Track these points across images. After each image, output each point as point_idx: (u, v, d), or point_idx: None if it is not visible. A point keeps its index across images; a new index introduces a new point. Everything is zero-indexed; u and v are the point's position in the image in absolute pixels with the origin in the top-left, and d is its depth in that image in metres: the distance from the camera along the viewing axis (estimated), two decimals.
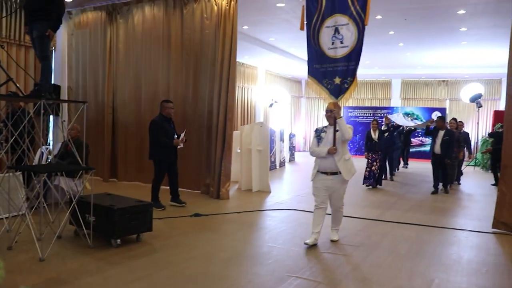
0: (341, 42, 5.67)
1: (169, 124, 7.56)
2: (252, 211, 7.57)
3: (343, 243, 5.69)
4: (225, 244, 5.52)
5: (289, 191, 9.87)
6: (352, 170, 5.46)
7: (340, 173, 5.34)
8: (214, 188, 8.55)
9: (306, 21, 5.98)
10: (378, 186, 10.71)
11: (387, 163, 12.11)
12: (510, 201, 6.37)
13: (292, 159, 17.04)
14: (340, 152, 5.31)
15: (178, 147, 7.57)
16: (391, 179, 12.10)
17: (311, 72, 5.93)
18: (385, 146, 11.75)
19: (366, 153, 10.82)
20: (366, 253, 5.28)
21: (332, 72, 5.73)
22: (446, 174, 10.08)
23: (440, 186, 10.17)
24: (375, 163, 10.49)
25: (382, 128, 11.28)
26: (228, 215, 7.20)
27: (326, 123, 5.65)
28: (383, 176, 11.53)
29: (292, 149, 17.33)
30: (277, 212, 7.49)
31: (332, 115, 5.36)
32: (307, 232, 5.96)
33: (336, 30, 5.73)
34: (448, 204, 8.86)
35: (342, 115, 5.44)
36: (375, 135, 10.55)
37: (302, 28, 6.01)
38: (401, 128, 13.31)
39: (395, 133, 12.28)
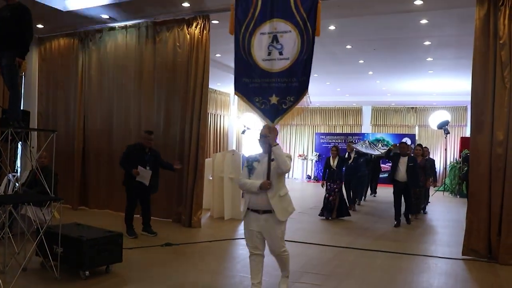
0: (280, 53, 4.67)
1: (143, 154, 7.45)
2: (224, 239, 7.51)
3: (314, 272, 5.69)
4: (197, 275, 5.44)
5: None
6: (289, 209, 4.57)
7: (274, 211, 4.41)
8: (185, 216, 8.47)
9: (235, 24, 4.96)
10: (343, 217, 9.80)
11: (351, 192, 11.44)
12: (478, 228, 6.51)
13: None
14: (275, 186, 4.38)
15: (138, 178, 7.31)
16: (354, 209, 11.17)
17: (239, 88, 4.84)
18: (348, 174, 11.19)
19: (323, 181, 10.06)
20: (337, 282, 5.29)
21: (267, 89, 4.68)
22: (410, 203, 9.53)
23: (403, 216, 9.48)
24: (333, 193, 9.72)
25: (346, 156, 10.80)
26: (199, 244, 7.12)
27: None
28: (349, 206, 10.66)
29: None
30: None
31: (266, 141, 4.44)
32: None
33: (274, 38, 4.71)
34: (418, 230, 8.96)
35: (278, 142, 4.47)
36: (333, 163, 9.83)
37: (231, 32, 5.00)
38: (368, 155, 12.81)
39: (361, 160, 11.83)
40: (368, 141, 14.64)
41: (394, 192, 9.43)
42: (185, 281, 5.16)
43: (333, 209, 9.69)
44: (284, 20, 4.69)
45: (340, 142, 19.76)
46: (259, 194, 4.36)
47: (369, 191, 14.24)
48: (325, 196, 9.87)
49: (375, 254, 6.77)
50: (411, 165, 9.13)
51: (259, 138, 4.56)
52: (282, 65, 4.65)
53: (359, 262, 6.30)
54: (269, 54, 4.70)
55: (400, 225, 9.15)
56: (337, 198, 9.73)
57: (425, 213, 11.02)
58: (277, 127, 4.77)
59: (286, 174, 4.70)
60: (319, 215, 9.89)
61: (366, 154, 12.28)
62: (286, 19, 4.68)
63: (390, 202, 11.60)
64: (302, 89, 4.62)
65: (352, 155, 11.38)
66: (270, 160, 4.36)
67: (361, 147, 12.53)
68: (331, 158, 9.91)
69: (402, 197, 9.43)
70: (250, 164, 4.52)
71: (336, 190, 9.73)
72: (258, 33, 4.78)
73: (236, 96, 4.88)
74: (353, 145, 11.96)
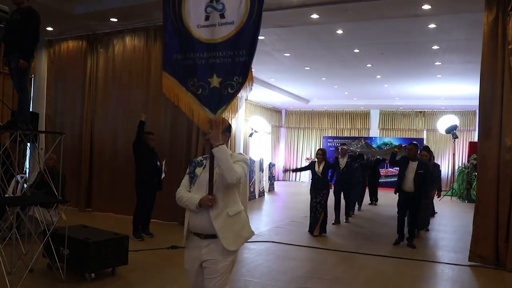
0: (222, 16, 3.24)
1: (151, 153, 7.62)
2: None
3: (319, 277, 5.67)
4: None
5: (268, 222, 9.84)
6: (243, 234, 3.20)
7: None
8: None
9: None
10: (322, 234, 8.44)
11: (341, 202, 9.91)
12: (484, 234, 6.46)
13: (271, 188, 17.04)
14: (220, 203, 3.09)
15: (162, 177, 7.60)
16: (346, 220, 10.00)
17: (168, 66, 3.40)
18: (341, 182, 9.91)
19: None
20: None
21: (205, 67, 3.27)
22: (417, 219, 7.91)
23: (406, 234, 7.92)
24: (319, 205, 8.31)
25: (334, 161, 9.28)
26: None
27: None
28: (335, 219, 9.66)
29: (271, 178, 17.34)
30: (255, 244, 7.43)
31: (207, 140, 3.11)
32: (284, 265, 5.97)
33: None
34: (424, 235, 8.89)
35: (223, 141, 3.08)
36: (319, 168, 8.37)
37: None
38: (365, 159, 11.86)
39: (355, 165, 10.74)
40: (365, 141, 12.93)
41: (398, 204, 7.99)
42: (189, 284, 5.16)
43: (317, 224, 8.35)
44: None
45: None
46: (199, 213, 3.10)
47: (366, 200, 12.93)
48: (310, 209, 8.50)
49: (382, 260, 6.74)
50: (421, 172, 7.65)
51: (201, 136, 3.23)
52: (226, 33, 3.25)
53: (365, 267, 6.28)
54: (208, 18, 3.29)
55: (400, 244, 7.76)
56: (322, 212, 8.34)
57: (427, 230, 9.34)
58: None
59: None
60: (308, 231, 8.54)
61: (360, 157, 10.75)
62: None
63: (391, 216, 9.93)
64: (250, 64, 3.23)
65: (344, 160, 9.93)
66: (212, 166, 3.10)
67: (355, 147, 11.23)
68: (316, 163, 8.46)
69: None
70: (192, 171, 3.27)
71: (322, 202, 8.32)
72: None
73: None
74: (346, 147, 10.46)
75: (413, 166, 7.72)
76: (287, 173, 8.77)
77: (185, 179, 3.28)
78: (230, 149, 3.10)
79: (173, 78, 3.35)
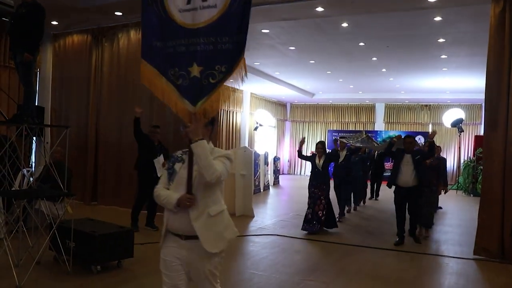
0: None
1: (153, 144, 7.63)
2: None
3: (323, 269, 5.69)
4: None
5: (273, 216, 9.86)
6: (225, 235, 2.91)
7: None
8: None
9: None
10: (330, 229, 8.08)
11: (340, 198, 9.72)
12: (490, 228, 6.44)
13: (276, 182, 17.06)
14: (201, 202, 2.80)
15: (157, 166, 7.52)
16: (340, 220, 9.13)
17: (148, 54, 3.10)
18: (338, 176, 9.69)
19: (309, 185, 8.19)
20: (346, 281, 5.28)
21: (185, 55, 2.94)
22: (417, 214, 7.49)
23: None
24: (319, 201, 7.83)
25: (334, 154, 8.75)
26: None
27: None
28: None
29: (276, 172, 17.37)
30: (260, 237, 7.46)
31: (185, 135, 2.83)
32: (289, 258, 5.98)
33: None
34: (429, 229, 8.88)
35: (204, 135, 2.81)
36: (319, 162, 7.99)
37: None
38: (366, 153, 11.72)
39: (356, 159, 10.60)
40: (366, 134, 11.87)
41: (395, 202, 7.47)
42: None
43: (320, 220, 7.84)
44: None
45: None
46: (178, 213, 2.81)
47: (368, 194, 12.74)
48: (308, 204, 7.99)
49: (386, 253, 6.74)
50: (418, 157, 7.23)
51: (181, 128, 2.95)
52: (208, 17, 2.89)
53: (369, 260, 6.28)
54: (189, 1, 2.97)
55: (404, 243, 7.27)
56: (324, 207, 7.86)
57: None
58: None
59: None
60: (302, 229, 7.94)
61: (358, 149, 10.26)
62: None
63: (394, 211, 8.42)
64: (237, 53, 2.87)
65: (344, 153, 9.55)
66: (192, 162, 2.80)
67: (356, 141, 10.63)
68: (317, 157, 8.07)
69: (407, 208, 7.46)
70: (171, 166, 2.97)
71: (322, 197, 7.86)
72: None
73: (142, 66, 3.11)
74: (346, 140, 10.19)
75: (407, 158, 7.27)
76: (301, 144, 8.31)
77: (163, 176, 3.00)
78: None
79: (152, 67, 3.08)
